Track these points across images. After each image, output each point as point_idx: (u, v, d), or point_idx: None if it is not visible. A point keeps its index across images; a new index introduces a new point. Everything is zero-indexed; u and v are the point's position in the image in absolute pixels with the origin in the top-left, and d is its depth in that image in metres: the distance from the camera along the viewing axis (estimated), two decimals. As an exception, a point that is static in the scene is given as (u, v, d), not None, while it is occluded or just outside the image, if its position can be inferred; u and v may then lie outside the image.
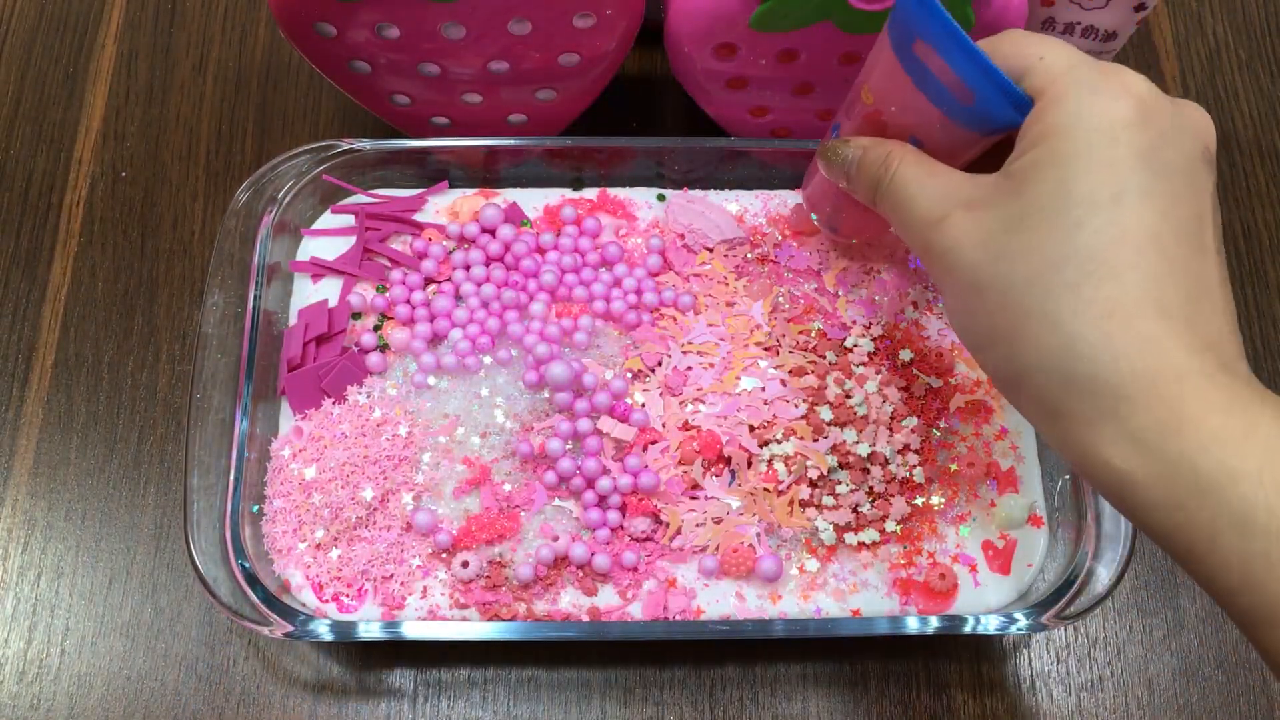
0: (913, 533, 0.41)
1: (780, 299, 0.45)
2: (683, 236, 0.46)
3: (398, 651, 0.42)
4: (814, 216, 0.44)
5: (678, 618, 0.39)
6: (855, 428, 0.42)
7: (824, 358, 0.44)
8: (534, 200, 0.47)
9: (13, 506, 0.45)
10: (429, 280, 0.46)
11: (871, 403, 0.42)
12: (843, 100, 0.47)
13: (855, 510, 0.41)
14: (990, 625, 0.38)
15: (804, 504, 0.41)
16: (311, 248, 0.46)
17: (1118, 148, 0.28)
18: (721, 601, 0.40)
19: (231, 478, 0.40)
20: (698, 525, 0.41)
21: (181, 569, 0.43)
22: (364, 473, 0.41)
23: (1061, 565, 0.40)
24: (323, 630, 0.38)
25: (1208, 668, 0.43)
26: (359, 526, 0.40)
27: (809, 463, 0.41)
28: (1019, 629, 0.38)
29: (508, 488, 0.41)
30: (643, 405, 0.43)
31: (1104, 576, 0.38)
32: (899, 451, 0.42)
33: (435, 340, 0.44)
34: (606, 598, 0.40)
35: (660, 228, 0.47)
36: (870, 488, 0.41)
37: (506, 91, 0.46)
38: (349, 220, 0.46)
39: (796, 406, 0.42)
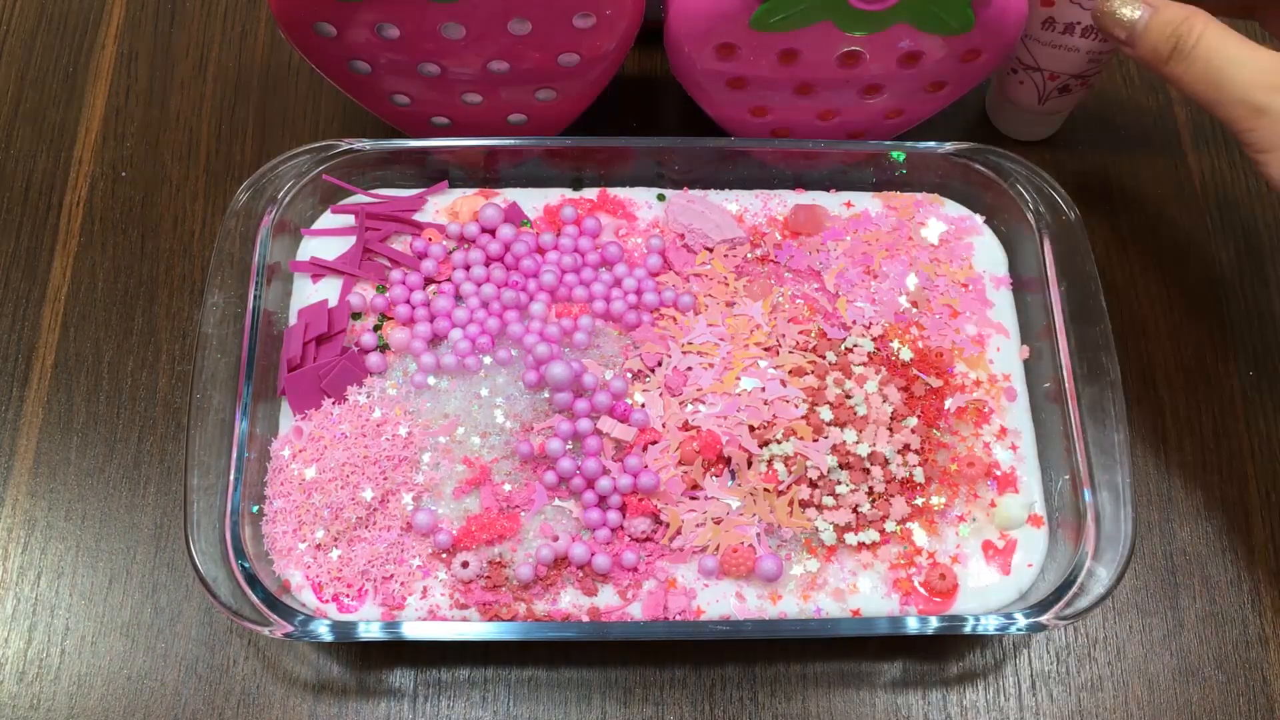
0: (912, 533, 0.41)
1: (780, 299, 0.45)
2: (683, 236, 0.46)
3: (398, 652, 0.42)
4: None
5: (678, 618, 0.39)
6: (855, 428, 0.42)
7: (824, 358, 0.44)
8: (534, 200, 0.47)
9: (13, 506, 0.45)
10: (429, 280, 0.46)
11: (871, 403, 0.42)
12: (841, 99, 0.47)
13: (855, 510, 0.41)
14: (990, 625, 0.38)
15: (804, 504, 0.41)
16: (311, 248, 0.46)
17: None
18: (721, 602, 0.40)
19: (231, 478, 0.40)
20: (698, 525, 0.41)
21: (181, 569, 0.43)
22: (364, 473, 0.41)
23: (1061, 565, 0.40)
24: (323, 630, 0.38)
25: (1207, 668, 0.43)
26: (359, 527, 0.40)
27: (809, 463, 0.41)
28: (1019, 629, 0.38)
29: (508, 488, 0.41)
30: (643, 405, 0.43)
31: (1104, 577, 0.39)
32: (899, 451, 0.42)
33: (435, 340, 0.44)
34: (606, 598, 0.40)
35: (660, 228, 0.47)
36: (870, 488, 0.41)
37: (506, 91, 0.46)
38: (349, 220, 0.46)
39: (796, 407, 0.42)
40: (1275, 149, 0.37)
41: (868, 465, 0.41)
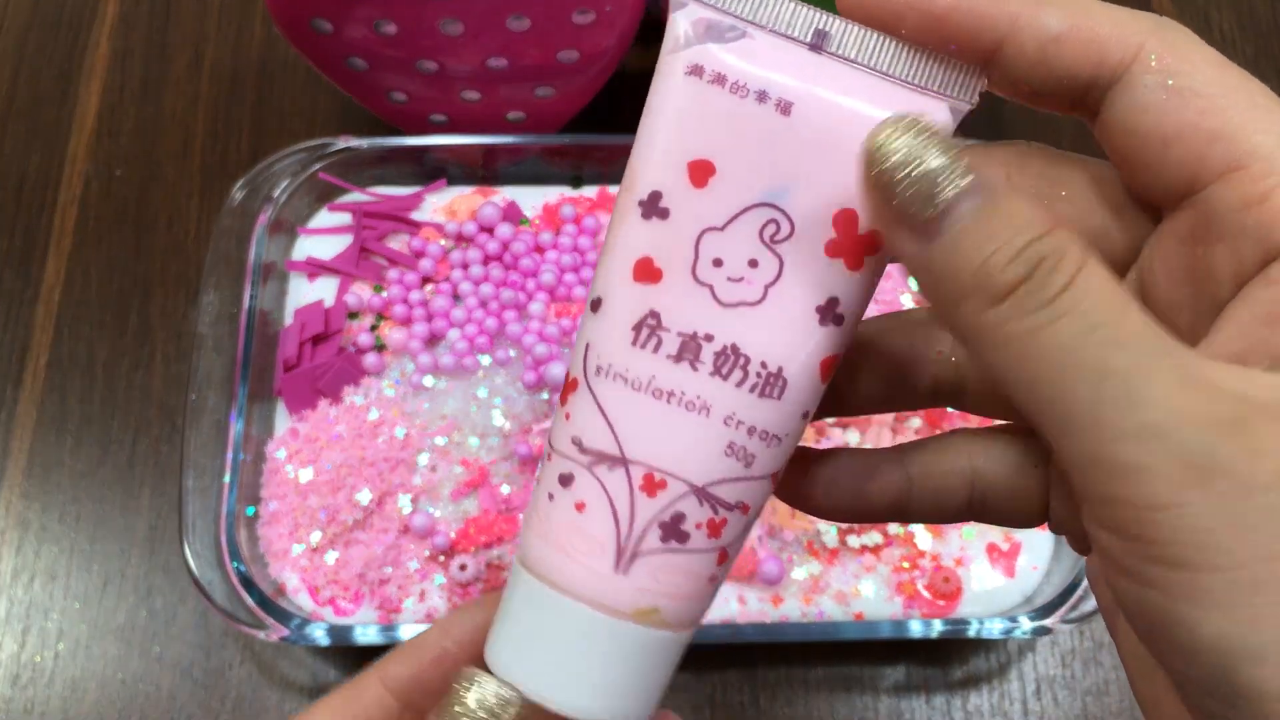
0: (915, 535, 0.41)
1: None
2: (683, 235, 0.46)
3: (395, 655, 0.42)
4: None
5: (678, 621, 0.39)
6: (857, 428, 0.41)
7: (826, 358, 0.43)
8: (533, 198, 0.47)
9: (5, 508, 0.44)
10: (426, 279, 0.45)
11: (874, 403, 0.42)
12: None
13: (858, 512, 0.40)
14: (994, 629, 0.38)
15: (806, 506, 0.41)
16: (307, 247, 0.46)
17: None
18: (722, 605, 0.39)
19: (226, 479, 0.39)
20: (699, 528, 0.40)
21: (176, 572, 0.43)
22: (361, 474, 0.40)
23: (1067, 567, 0.40)
24: (319, 634, 0.37)
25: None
26: (355, 529, 0.40)
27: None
28: (1023, 632, 0.38)
29: (506, 489, 0.41)
30: (643, 406, 0.42)
31: (1110, 579, 0.38)
32: (902, 453, 0.41)
33: (433, 340, 0.44)
34: (606, 601, 0.39)
35: (660, 226, 0.47)
36: (873, 490, 0.41)
37: (505, 89, 0.45)
38: (345, 219, 0.46)
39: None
40: (1211, 565, 0.14)
41: (871, 467, 0.41)
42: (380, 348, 0.44)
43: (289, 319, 0.44)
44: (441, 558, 0.40)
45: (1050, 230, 0.16)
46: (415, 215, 0.46)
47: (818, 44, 0.17)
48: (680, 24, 0.18)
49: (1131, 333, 0.15)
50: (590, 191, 0.47)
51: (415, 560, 0.40)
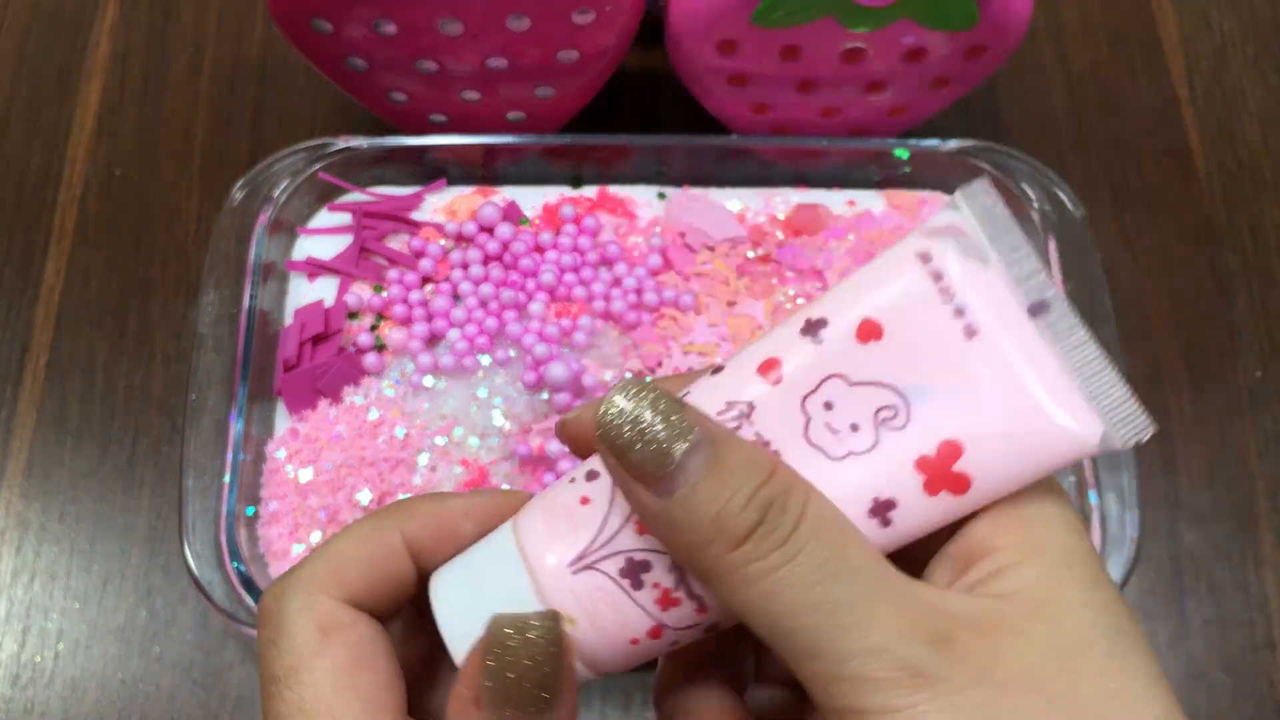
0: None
1: (782, 299, 0.45)
2: (683, 235, 0.46)
3: (395, 655, 0.42)
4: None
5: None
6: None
7: (826, 358, 0.43)
8: (533, 198, 0.47)
9: (5, 508, 0.44)
10: (426, 279, 0.45)
11: (874, 404, 0.42)
12: (844, 96, 0.47)
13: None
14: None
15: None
16: (307, 247, 0.46)
17: None
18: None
19: (226, 480, 0.39)
20: (698, 528, 0.40)
21: (176, 572, 0.43)
22: (361, 474, 0.40)
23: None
24: (319, 635, 0.37)
25: (1214, 672, 0.42)
26: (355, 529, 0.40)
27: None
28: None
29: (506, 489, 0.41)
30: (643, 406, 0.42)
31: (1110, 580, 0.38)
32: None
33: (433, 340, 0.44)
34: (606, 601, 0.39)
35: (661, 226, 0.46)
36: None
37: (505, 88, 0.45)
38: (345, 219, 0.46)
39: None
40: None
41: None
42: (380, 348, 0.44)
43: (289, 319, 0.44)
44: (441, 558, 0.40)
45: (773, 473, 0.18)
46: (415, 215, 0.46)
47: (1035, 310, 0.19)
48: (947, 216, 0.19)
49: (855, 564, 0.17)
50: (590, 191, 0.47)
51: (415, 560, 0.40)
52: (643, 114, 0.52)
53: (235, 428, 0.40)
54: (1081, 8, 0.56)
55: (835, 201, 0.47)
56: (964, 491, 0.18)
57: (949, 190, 0.48)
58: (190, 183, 0.51)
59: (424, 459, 0.41)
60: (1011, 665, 0.17)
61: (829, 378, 0.19)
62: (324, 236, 0.46)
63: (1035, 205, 0.45)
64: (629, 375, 0.18)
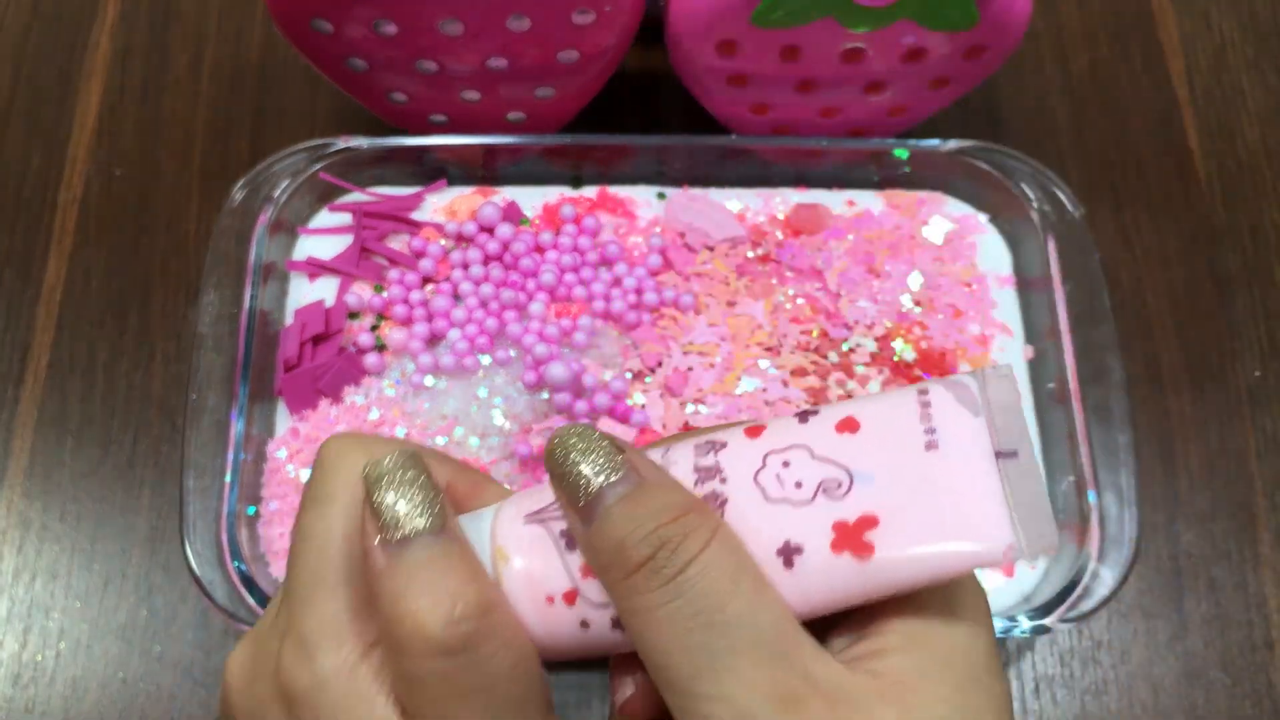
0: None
1: (782, 298, 0.45)
2: (683, 235, 0.46)
3: (395, 655, 0.42)
4: None
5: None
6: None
7: (826, 358, 0.43)
8: (533, 199, 0.47)
9: (7, 508, 0.44)
10: (427, 279, 0.45)
11: (874, 404, 0.42)
12: (844, 96, 0.47)
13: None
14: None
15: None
16: (308, 247, 0.46)
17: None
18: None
19: (227, 479, 0.39)
20: (698, 527, 0.40)
21: (177, 571, 0.43)
22: (361, 474, 0.40)
23: (1065, 567, 0.40)
24: (319, 634, 0.37)
25: (1213, 670, 0.43)
26: (356, 529, 0.40)
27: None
28: (1022, 632, 0.38)
29: (506, 489, 0.41)
30: (643, 406, 0.42)
31: (1108, 579, 0.38)
32: (902, 453, 0.41)
33: (433, 340, 0.44)
34: (606, 601, 0.39)
35: (660, 226, 0.47)
36: (873, 490, 0.41)
37: (505, 89, 0.45)
38: (346, 219, 0.46)
39: (798, 407, 0.42)
40: None
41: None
42: (381, 348, 0.44)
43: (289, 319, 0.44)
44: (442, 557, 0.40)
45: (681, 516, 0.19)
46: (415, 215, 0.46)
47: (1002, 455, 0.20)
48: (960, 377, 0.21)
49: (730, 618, 0.19)
50: (590, 191, 0.47)
51: (415, 560, 0.40)
52: (643, 114, 0.52)
53: (236, 427, 0.40)
54: (1081, 8, 0.56)
55: (835, 201, 0.47)
56: (865, 557, 0.19)
57: (948, 190, 0.48)
58: (191, 183, 0.51)
59: (424, 459, 0.41)
60: None
61: (797, 445, 0.21)
62: (324, 236, 0.46)
63: (1034, 205, 0.45)
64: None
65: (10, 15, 0.54)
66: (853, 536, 0.20)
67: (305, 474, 0.40)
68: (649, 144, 0.46)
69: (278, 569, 0.40)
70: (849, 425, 0.21)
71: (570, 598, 0.21)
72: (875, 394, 0.22)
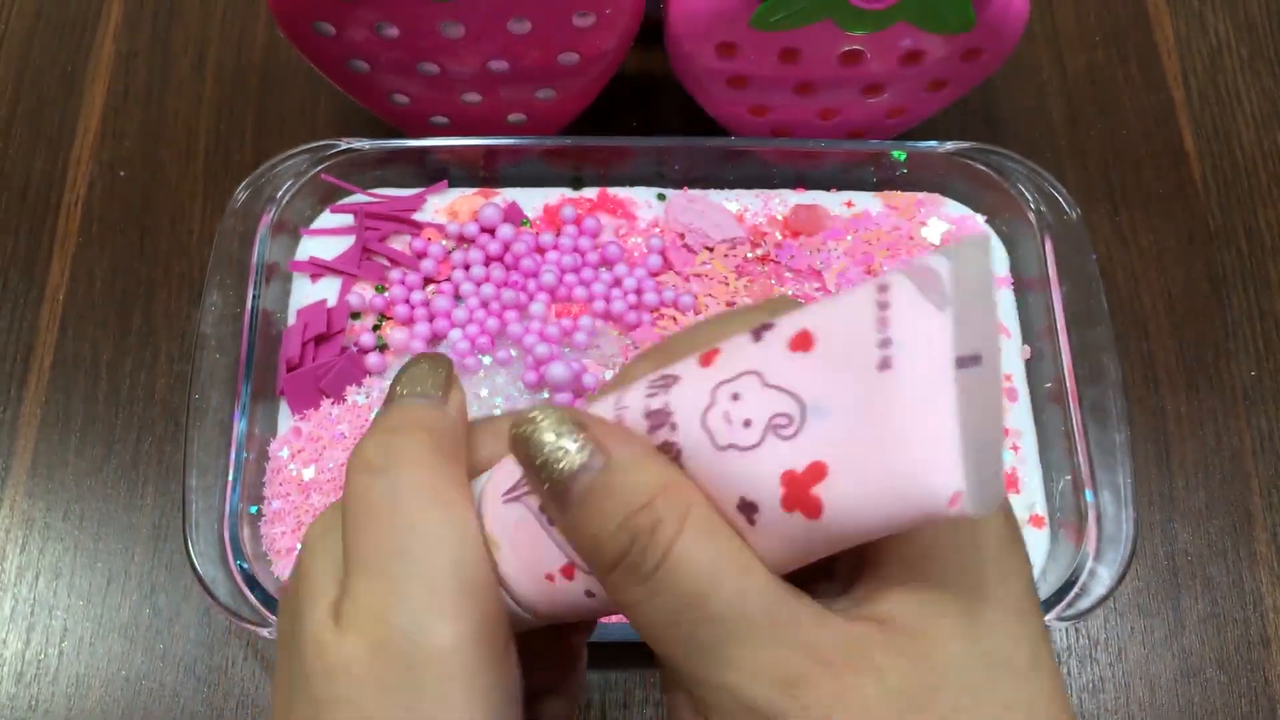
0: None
1: (781, 299, 0.45)
2: (683, 236, 0.46)
3: (397, 653, 0.42)
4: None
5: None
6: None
7: (824, 358, 0.43)
8: (533, 200, 0.47)
9: (10, 507, 0.44)
10: (428, 280, 0.45)
11: (872, 403, 0.42)
12: (842, 98, 0.47)
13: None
14: (991, 626, 0.38)
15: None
16: (310, 247, 0.46)
17: None
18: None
19: (230, 478, 0.40)
20: (698, 526, 0.40)
21: (180, 570, 0.43)
22: (363, 473, 0.40)
23: (1062, 566, 0.40)
24: (321, 631, 0.37)
25: (1209, 668, 0.43)
26: (358, 527, 0.40)
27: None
28: (1020, 630, 0.38)
29: (507, 488, 0.41)
30: (643, 405, 0.42)
31: (1105, 577, 0.38)
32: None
33: (434, 340, 0.44)
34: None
35: (660, 227, 0.47)
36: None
37: (506, 90, 0.46)
38: (348, 220, 0.46)
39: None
40: None
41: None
42: (382, 347, 0.44)
43: (292, 319, 0.44)
44: (443, 556, 0.40)
45: (650, 502, 0.18)
46: (417, 216, 0.47)
47: (963, 362, 0.17)
48: (931, 259, 0.18)
49: (714, 611, 0.18)
50: (590, 193, 0.48)
51: (417, 558, 0.40)
52: (642, 116, 0.53)
53: (238, 427, 0.40)
54: (1078, 10, 0.56)
55: (833, 203, 0.47)
56: (814, 516, 0.18)
57: (946, 192, 0.48)
58: (194, 184, 0.51)
59: (426, 458, 0.41)
60: (856, 712, 0.17)
61: (747, 373, 0.19)
62: (326, 237, 0.46)
63: (1031, 206, 0.45)
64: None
65: (14, 17, 0.55)
66: (801, 492, 0.18)
67: (307, 473, 0.41)
68: (649, 145, 0.46)
69: (280, 568, 0.40)
70: (803, 342, 0.18)
71: (568, 572, 0.20)
72: (839, 293, 0.19)
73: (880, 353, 0.17)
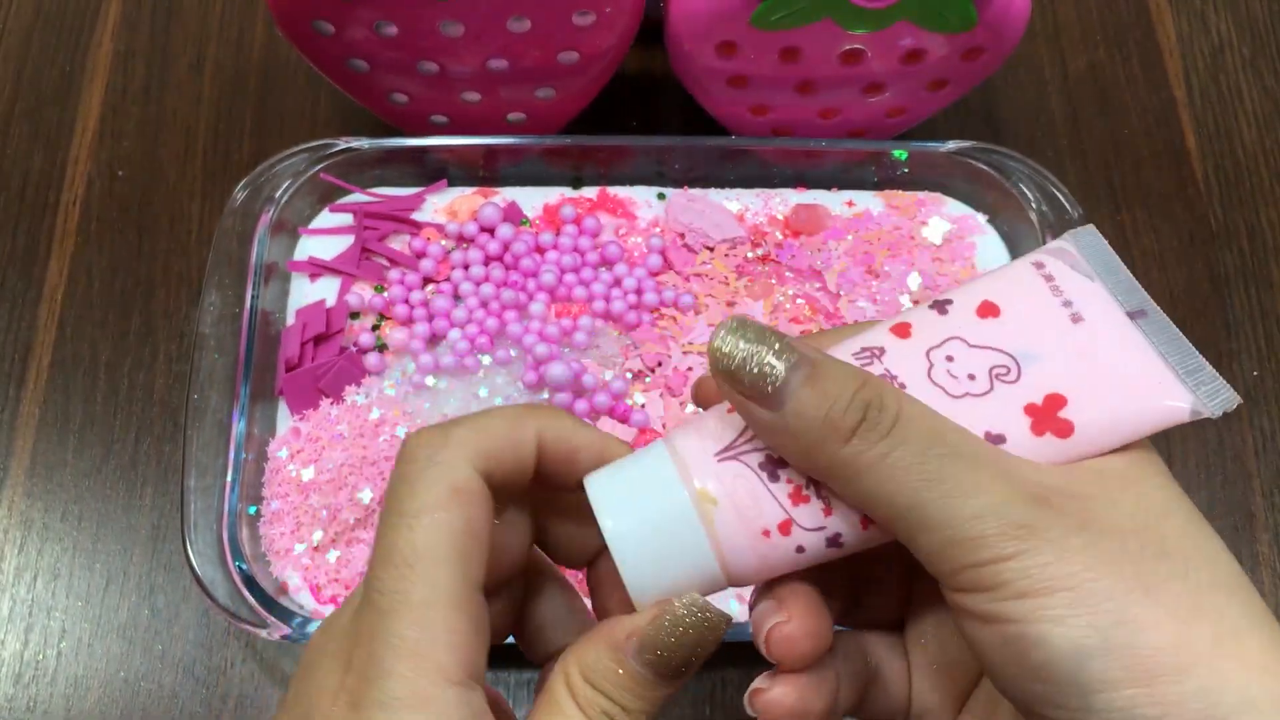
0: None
1: (781, 299, 0.45)
2: (683, 236, 0.46)
3: (396, 653, 0.42)
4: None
5: (678, 620, 0.39)
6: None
7: (825, 358, 0.43)
8: (533, 199, 0.47)
9: (9, 508, 0.44)
10: (427, 280, 0.45)
11: (873, 403, 0.42)
12: (843, 97, 0.47)
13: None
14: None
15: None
16: (309, 247, 0.46)
17: None
18: (722, 603, 0.39)
19: (229, 479, 0.39)
20: (698, 526, 0.40)
21: (178, 570, 0.43)
22: (362, 474, 0.40)
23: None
24: (320, 632, 0.37)
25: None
26: (357, 528, 0.40)
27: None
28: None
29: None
30: (643, 406, 0.42)
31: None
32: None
33: (434, 340, 0.44)
34: (606, 600, 0.40)
35: (660, 227, 0.47)
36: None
37: (505, 90, 0.45)
38: (347, 219, 0.46)
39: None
40: (1048, 589, 0.19)
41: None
42: (381, 347, 0.44)
43: (290, 319, 0.44)
44: (442, 556, 0.40)
45: (865, 382, 0.20)
46: (416, 216, 0.46)
47: (1134, 315, 0.22)
48: (1058, 243, 0.23)
49: (954, 444, 0.20)
50: (590, 192, 0.48)
51: (416, 559, 0.40)
52: (642, 115, 0.53)
53: (237, 427, 0.40)
54: (1079, 9, 0.56)
55: (834, 202, 0.47)
56: (1067, 436, 0.21)
57: (947, 191, 0.48)
58: (192, 183, 0.51)
59: (425, 458, 0.41)
60: (1104, 520, 0.20)
61: (951, 338, 0.22)
62: (325, 237, 0.46)
63: (1033, 206, 0.45)
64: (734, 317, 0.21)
65: (13, 16, 0.54)
66: (1048, 417, 0.21)
67: (306, 473, 0.41)
68: (649, 145, 0.46)
69: (278, 568, 0.40)
70: (989, 310, 0.22)
71: (785, 528, 0.21)
72: (984, 274, 0.23)
73: (1068, 310, 0.22)
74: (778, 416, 0.20)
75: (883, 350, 0.22)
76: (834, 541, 0.22)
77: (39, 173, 0.51)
